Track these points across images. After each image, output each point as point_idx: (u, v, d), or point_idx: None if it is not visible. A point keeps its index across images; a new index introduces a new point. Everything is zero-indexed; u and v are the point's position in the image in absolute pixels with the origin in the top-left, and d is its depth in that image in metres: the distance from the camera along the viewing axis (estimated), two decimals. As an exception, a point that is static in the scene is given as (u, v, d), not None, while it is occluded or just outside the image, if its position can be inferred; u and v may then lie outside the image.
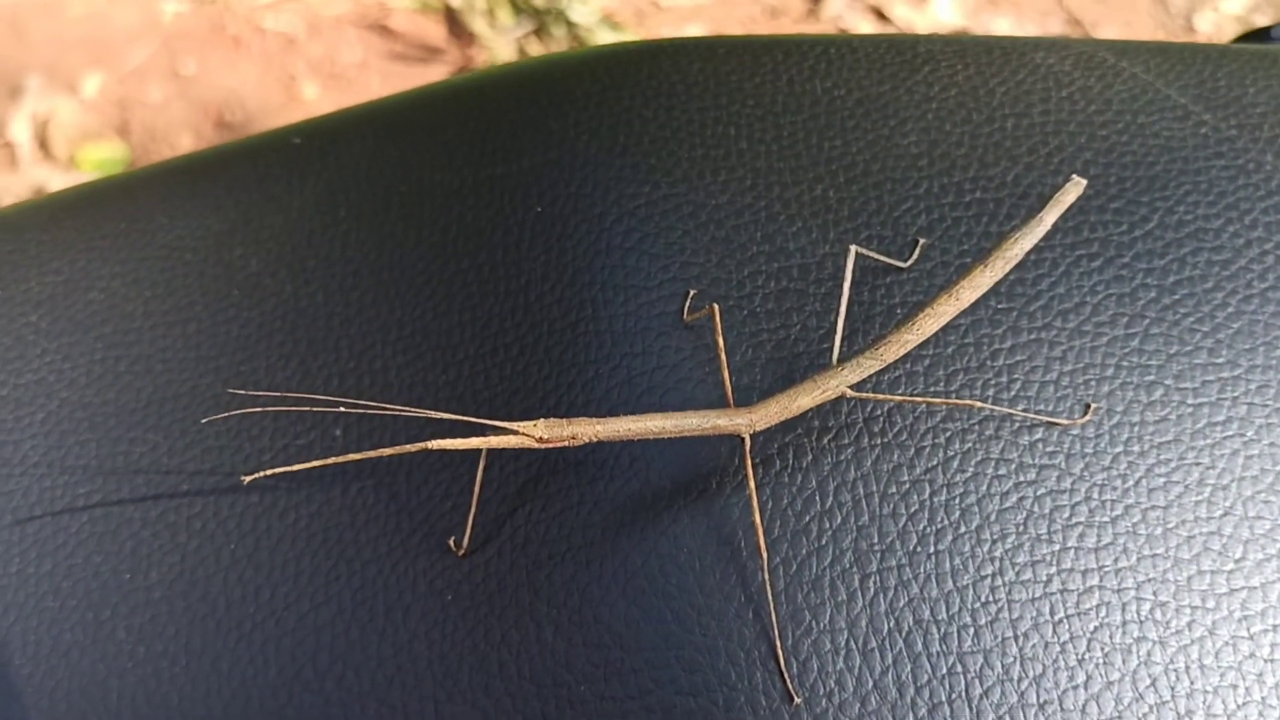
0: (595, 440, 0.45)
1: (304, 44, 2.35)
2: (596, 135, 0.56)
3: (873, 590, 0.45)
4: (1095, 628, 0.44)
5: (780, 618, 0.44)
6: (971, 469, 0.47)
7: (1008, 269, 0.48)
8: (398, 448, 0.44)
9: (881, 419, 0.49)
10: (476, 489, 0.48)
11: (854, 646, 0.44)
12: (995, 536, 0.46)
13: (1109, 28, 2.33)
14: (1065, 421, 0.48)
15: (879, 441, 0.48)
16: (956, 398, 0.49)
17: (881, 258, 0.52)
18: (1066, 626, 0.44)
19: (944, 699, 0.43)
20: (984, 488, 0.47)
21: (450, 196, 0.57)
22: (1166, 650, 0.44)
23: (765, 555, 0.45)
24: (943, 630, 0.44)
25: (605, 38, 2.26)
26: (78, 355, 0.56)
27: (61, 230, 0.61)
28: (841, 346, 0.49)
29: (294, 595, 0.49)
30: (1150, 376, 0.49)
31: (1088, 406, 0.49)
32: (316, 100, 2.28)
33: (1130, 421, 0.48)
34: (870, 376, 0.49)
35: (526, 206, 0.55)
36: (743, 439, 0.46)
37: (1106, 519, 0.46)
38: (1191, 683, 0.44)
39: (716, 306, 0.48)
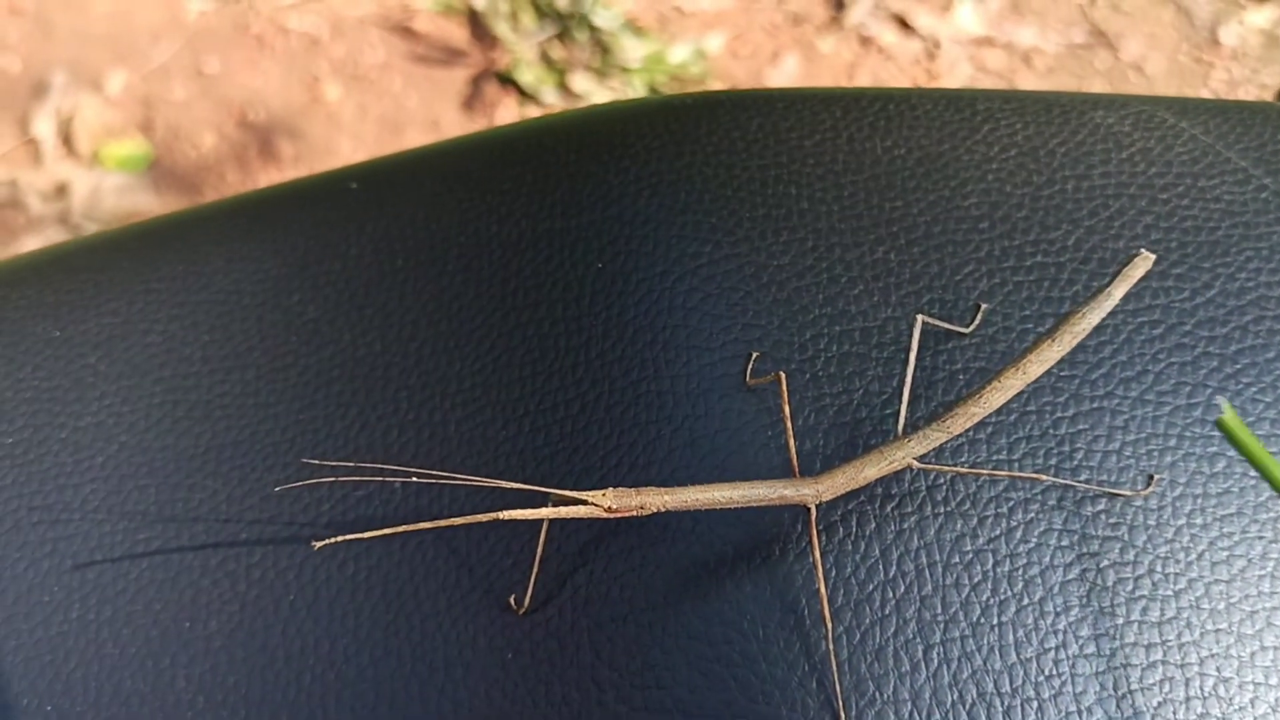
0: (663, 510, 0.45)
1: (327, 44, 2.36)
2: (657, 192, 0.57)
3: (936, 661, 0.45)
4: (1159, 703, 0.44)
5: (844, 688, 0.44)
6: (1035, 539, 0.47)
7: (1075, 343, 0.49)
8: (467, 518, 0.44)
9: (945, 488, 0.49)
10: (540, 549, 0.48)
11: (918, 718, 0.44)
12: (1059, 609, 0.46)
13: (1133, 39, 2.33)
14: (1128, 493, 0.48)
15: (942, 510, 0.48)
16: (1019, 467, 0.49)
17: (945, 325, 0.52)
18: (1130, 701, 0.45)
19: None
20: (1047, 559, 0.47)
21: (509, 249, 0.57)
22: None
23: (829, 624, 0.45)
24: (1006, 704, 0.44)
25: (627, 43, 2.26)
26: (136, 399, 0.57)
27: (119, 270, 0.61)
28: (906, 414, 0.49)
29: (353, 649, 0.49)
30: (1214, 447, 0.49)
31: (1150, 478, 0.49)
32: (339, 101, 2.28)
33: (1193, 493, 0.48)
34: (935, 447, 0.49)
35: (587, 262, 0.55)
36: (809, 509, 0.47)
37: (1170, 592, 0.46)
38: None
39: (784, 375, 0.48)
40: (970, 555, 0.47)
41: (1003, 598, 0.46)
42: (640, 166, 0.58)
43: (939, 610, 0.46)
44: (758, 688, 0.45)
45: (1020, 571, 0.47)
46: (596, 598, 0.48)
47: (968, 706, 0.44)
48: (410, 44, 2.34)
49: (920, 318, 0.50)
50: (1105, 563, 0.47)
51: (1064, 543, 0.47)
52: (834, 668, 0.45)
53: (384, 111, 2.30)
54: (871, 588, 0.46)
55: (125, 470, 0.55)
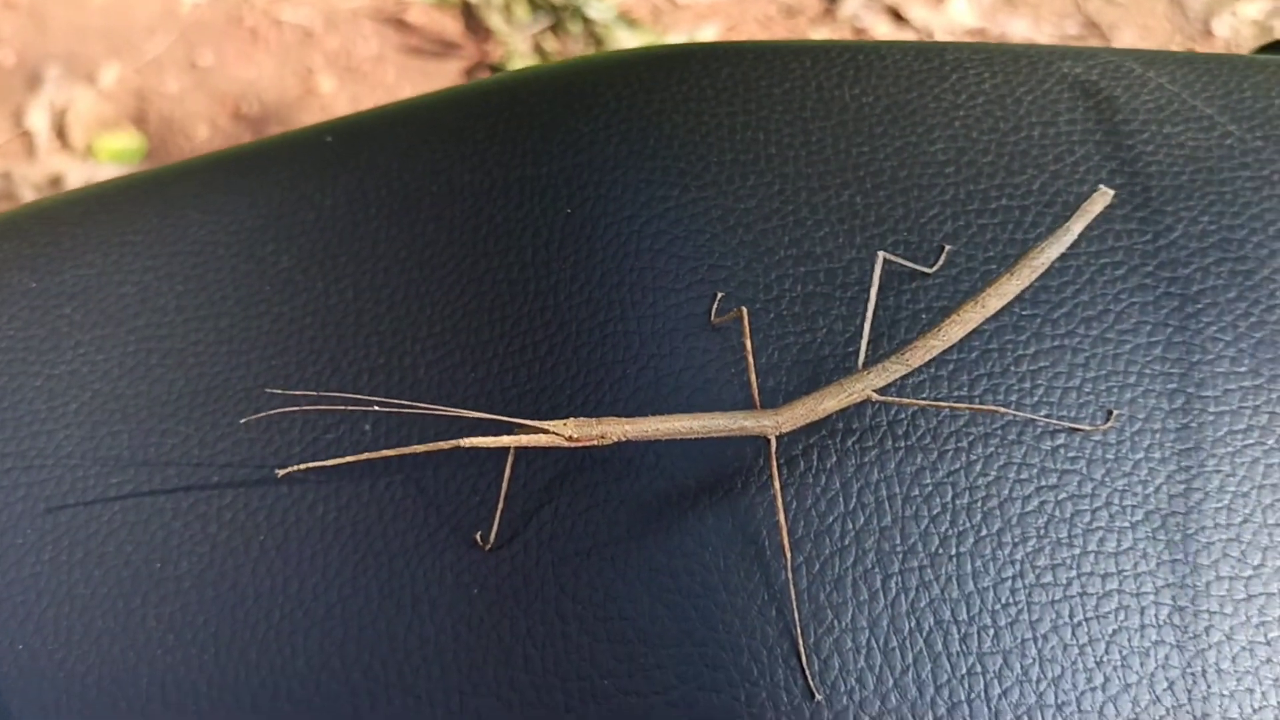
0: (624, 439, 0.46)
1: (321, 37, 2.36)
2: (626, 139, 0.57)
3: (894, 590, 0.46)
4: (1114, 631, 0.45)
5: (803, 616, 0.45)
6: (994, 473, 0.48)
7: (1034, 277, 0.49)
8: (429, 445, 0.45)
9: (905, 422, 0.49)
10: (504, 485, 0.49)
11: (875, 645, 0.45)
12: (1016, 540, 0.47)
13: (1126, 31, 2.33)
14: (1088, 427, 0.49)
15: (903, 444, 0.49)
16: (980, 403, 0.49)
17: (908, 264, 0.53)
18: (1085, 629, 0.45)
19: (963, 698, 0.44)
20: (1006, 491, 0.48)
21: (480, 197, 0.58)
22: (1184, 654, 0.45)
23: (789, 555, 0.45)
24: (963, 631, 0.45)
25: (621, 35, 2.27)
26: (111, 347, 0.57)
27: (95, 224, 0.62)
28: (867, 351, 0.50)
29: (322, 587, 0.50)
30: (1173, 384, 0.50)
31: (1110, 413, 0.49)
32: (333, 93, 2.29)
33: (1152, 428, 0.49)
34: (895, 381, 0.49)
35: (557, 208, 0.56)
36: (768, 440, 0.47)
37: (1127, 524, 0.47)
38: (1208, 686, 0.44)
39: (745, 310, 0.49)
40: (930, 488, 0.48)
41: (961, 529, 0.47)
42: (610, 115, 0.58)
43: (898, 541, 0.46)
44: (718, 617, 0.45)
45: (979, 504, 0.47)
46: (561, 533, 0.48)
47: (924, 634, 0.45)
48: (404, 36, 2.35)
49: (882, 254, 0.51)
50: (1063, 495, 0.48)
51: (1023, 476, 0.48)
52: (793, 597, 0.45)
53: (377, 103, 2.30)
54: (832, 519, 0.47)
55: (99, 416, 0.55)
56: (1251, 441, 0.49)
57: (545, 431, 0.45)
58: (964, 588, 0.46)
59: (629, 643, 0.45)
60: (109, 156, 2.21)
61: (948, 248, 0.54)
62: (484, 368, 0.53)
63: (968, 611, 0.45)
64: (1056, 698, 0.44)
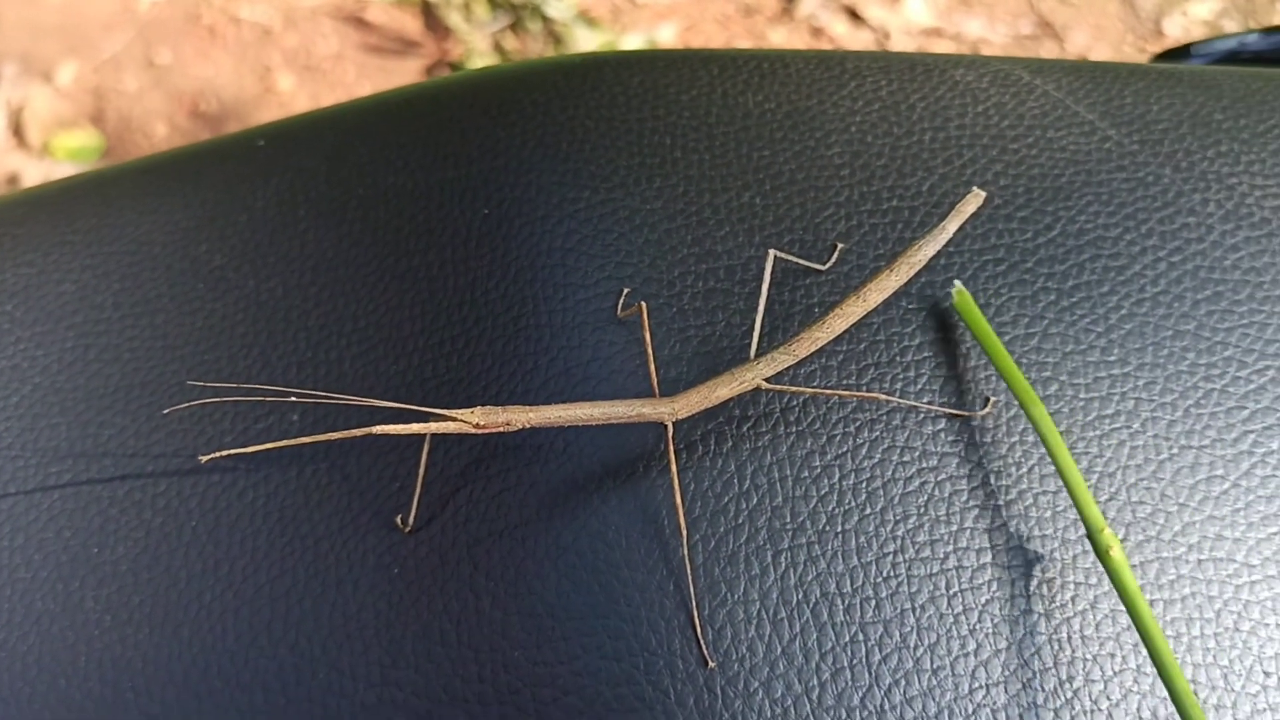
0: (528, 426, 0.49)
1: (280, 35, 2.37)
2: (541, 143, 0.60)
3: (784, 565, 0.49)
4: (986, 601, 0.49)
5: (698, 590, 0.48)
6: (878, 455, 0.51)
7: (912, 273, 0.53)
8: (345, 432, 0.48)
9: (797, 409, 0.53)
10: (421, 471, 0.52)
11: (765, 616, 0.48)
12: (898, 517, 0.50)
13: (1079, 30, 2.38)
14: (966, 413, 0.53)
15: (794, 430, 0.52)
16: (866, 390, 0.53)
17: (800, 261, 0.56)
18: (960, 600, 0.49)
19: (845, 664, 0.47)
20: (889, 473, 0.51)
21: (404, 198, 0.60)
22: (1051, 621, 0.48)
23: (685, 533, 0.49)
24: (847, 602, 0.48)
25: (581, 33, 2.29)
26: (50, 343, 0.60)
27: (35, 224, 0.64)
28: (760, 343, 0.53)
29: (251, 568, 0.52)
30: (1046, 373, 0.54)
31: (987, 400, 0.53)
32: (292, 91, 2.30)
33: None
34: (785, 370, 0.52)
35: (475, 209, 0.59)
36: (666, 426, 0.50)
37: (1000, 503, 0.51)
38: (1073, 651, 0.48)
39: (644, 304, 0.52)
40: (819, 470, 0.51)
41: (847, 508, 0.50)
42: (527, 121, 0.61)
43: (788, 519, 0.50)
44: (620, 591, 0.48)
45: (864, 484, 0.51)
46: (475, 515, 0.51)
47: (811, 604, 0.48)
48: (363, 34, 2.36)
49: (772, 252, 0.54)
50: (943, 476, 0.51)
51: (905, 458, 0.51)
52: (689, 572, 0.48)
53: (336, 101, 2.32)
54: (727, 499, 0.50)
55: (39, 409, 0.58)
56: (1119, 425, 0.53)
57: (454, 419, 0.48)
58: (848, 562, 0.49)
59: (537, 616, 0.49)
60: (66, 155, 2.21)
61: (840, 245, 0.57)
62: (405, 360, 0.56)
63: (851, 584, 0.49)
64: (932, 662, 0.47)
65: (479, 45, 2.33)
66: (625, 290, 0.56)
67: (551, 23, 2.33)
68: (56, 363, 0.59)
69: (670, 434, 0.50)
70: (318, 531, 0.53)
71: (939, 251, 0.54)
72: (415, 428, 0.48)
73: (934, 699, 0.47)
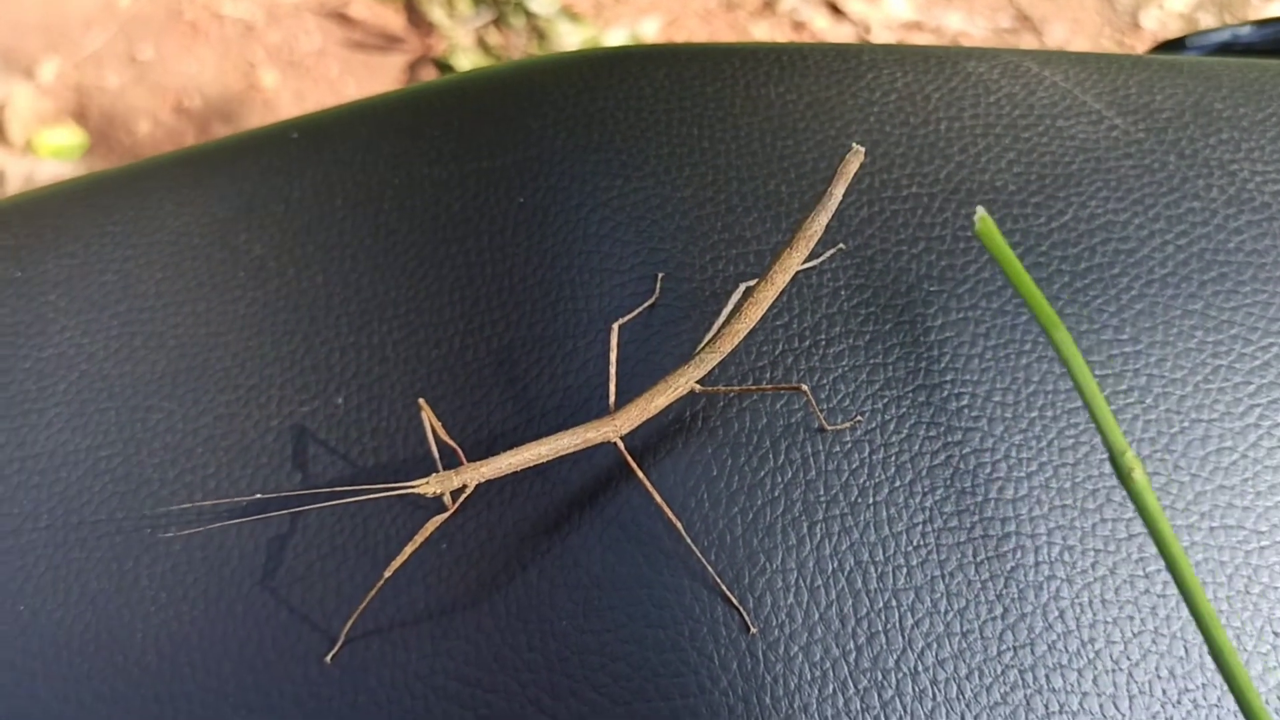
0: (483, 480, 0.52)
1: (262, 31, 2.37)
2: (573, 134, 0.62)
3: (819, 536, 0.51)
4: (1012, 568, 0.51)
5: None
6: (905, 431, 0.54)
7: (810, 246, 0.54)
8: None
9: (827, 388, 0.55)
10: (415, 541, 0.53)
11: (803, 584, 0.50)
12: (926, 489, 0.53)
13: (1057, 23, 2.41)
14: (841, 426, 0.55)
15: (825, 408, 0.54)
16: (787, 382, 0.55)
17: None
18: (987, 566, 0.51)
19: (880, 629, 0.50)
20: (916, 447, 0.54)
21: (439, 188, 0.62)
22: (1073, 587, 0.51)
23: (679, 525, 0.51)
24: (880, 570, 0.51)
25: (564, 28, 2.31)
26: (95, 331, 0.61)
27: (74, 217, 0.66)
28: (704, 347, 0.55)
29: (302, 546, 0.54)
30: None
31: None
32: (275, 88, 2.30)
33: (1045, 390, 0.55)
34: (714, 369, 0.55)
35: (510, 198, 0.61)
36: (616, 444, 0.53)
37: (1022, 474, 0.53)
38: (1094, 614, 0.50)
39: (615, 328, 0.55)
40: (849, 445, 0.53)
41: (877, 480, 0.53)
42: (558, 112, 0.64)
43: (821, 492, 0.52)
44: (663, 562, 0.51)
45: (893, 458, 0.53)
46: (521, 491, 0.54)
47: (846, 573, 0.50)
48: (346, 30, 2.37)
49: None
50: (967, 449, 0.54)
51: (931, 433, 0.54)
52: (699, 555, 0.51)
53: (321, 98, 2.32)
54: (763, 473, 0.53)
55: (86, 395, 0.60)
56: (1132, 400, 0.55)
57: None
58: (880, 532, 0.52)
59: (583, 588, 0.51)
60: (49, 152, 2.21)
61: (839, 246, 0.59)
62: (446, 344, 0.58)
63: (884, 553, 0.51)
64: (962, 626, 0.50)
65: (462, 41, 2.34)
66: (660, 275, 0.58)
67: (535, 18, 2.35)
68: (102, 350, 0.61)
69: (622, 448, 0.52)
70: (366, 509, 0.55)
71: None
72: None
73: (965, 660, 0.49)
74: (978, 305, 0.57)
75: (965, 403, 0.55)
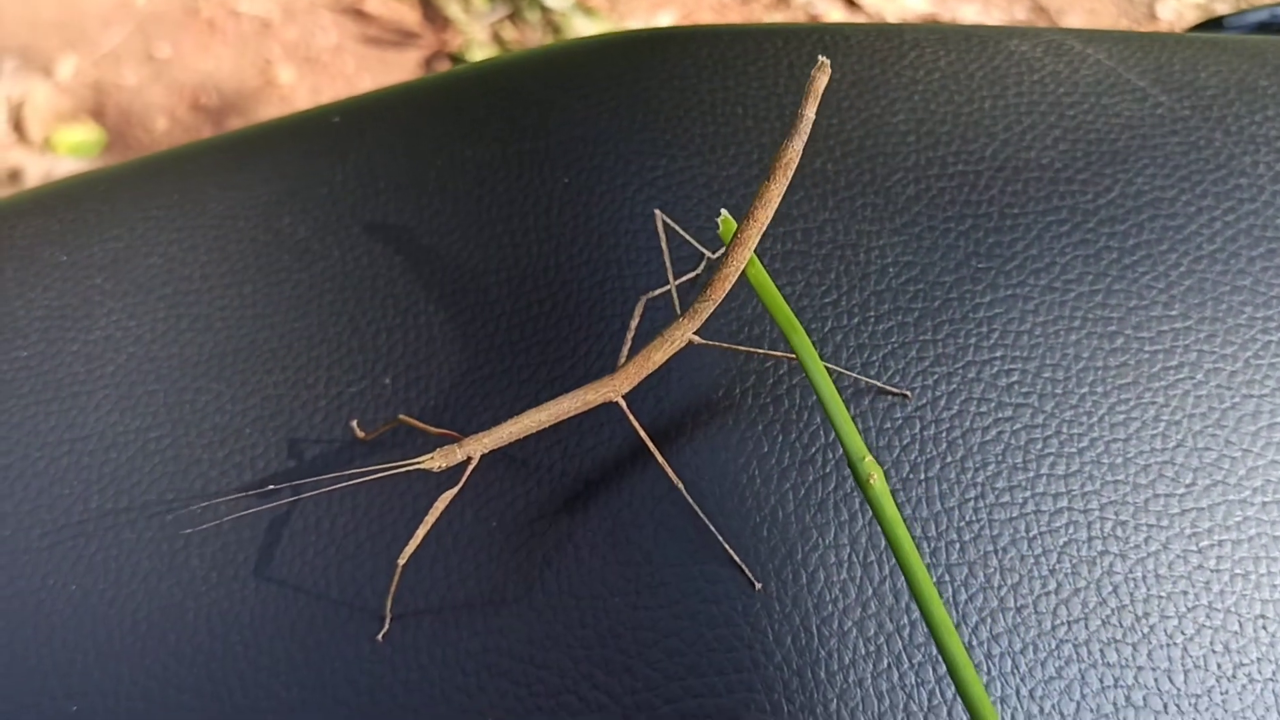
0: (486, 451, 0.52)
1: (279, 27, 2.38)
2: (617, 114, 0.62)
3: (870, 511, 0.51)
4: (1065, 543, 0.51)
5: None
6: (956, 407, 0.54)
7: (789, 175, 0.52)
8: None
9: (877, 365, 0.55)
10: (429, 521, 0.53)
11: (856, 560, 0.50)
12: (978, 465, 0.52)
13: (1073, 14, 2.41)
14: (905, 392, 0.55)
15: (873, 385, 0.54)
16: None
17: (690, 239, 0.59)
18: (1040, 542, 0.51)
19: None
20: (967, 423, 0.53)
21: (483, 169, 0.63)
22: (1126, 562, 0.51)
23: (682, 485, 0.51)
24: (932, 545, 0.51)
25: (578, 22, 2.31)
26: (141, 314, 0.62)
27: (118, 201, 0.66)
28: (680, 300, 0.55)
29: (352, 526, 0.54)
30: (1112, 327, 0.56)
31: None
32: (292, 84, 2.31)
33: (1095, 366, 0.55)
34: (708, 319, 0.55)
35: (555, 178, 0.61)
36: (619, 403, 0.53)
37: (1074, 450, 0.53)
38: (1148, 589, 0.50)
39: (643, 300, 0.55)
40: (900, 421, 0.53)
41: (929, 457, 0.53)
42: (601, 93, 0.64)
43: None
44: (714, 537, 0.51)
45: (944, 434, 0.53)
46: (570, 469, 0.54)
47: None
48: (362, 26, 2.37)
49: (657, 211, 0.56)
50: (1018, 425, 0.53)
51: (983, 409, 0.54)
52: (701, 515, 0.51)
53: (337, 94, 2.33)
54: (814, 450, 0.53)
55: (135, 377, 0.60)
56: (1183, 376, 0.55)
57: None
58: (932, 508, 0.51)
59: (635, 564, 0.51)
60: (68, 149, 2.21)
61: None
62: (494, 322, 0.58)
63: (936, 528, 0.51)
64: (1015, 601, 0.50)
65: (478, 36, 2.34)
66: (706, 256, 0.58)
67: (550, 12, 2.35)
68: (149, 333, 0.61)
69: (625, 408, 0.52)
70: (415, 489, 0.55)
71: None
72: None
73: (1018, 635, 0.49)
74: (1025, 282, 0.57)
75: (1015, 379, 0.55)
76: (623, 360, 0.54)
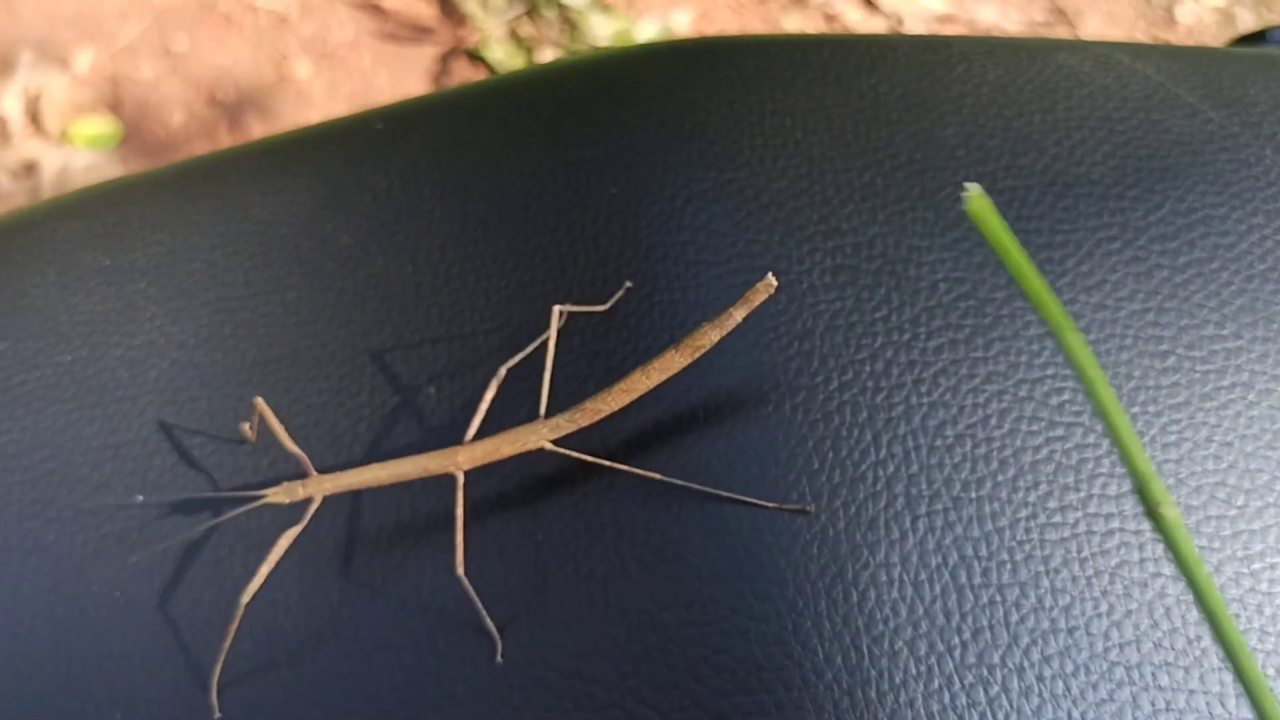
0: (328, 494, 0.53)
1: (296, 22, 2.38)
2: (664, 125, 0.62)
3: (922, 530, 0.51)
4: (1117, 564, 0.51)
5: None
6: (1007, 426, 0.53)
7: (696, 356, 0.53)
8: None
9: (928, 381, 0.55)
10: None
11: (906, 579, 0.50)
12: (1029, 485, 0.52)
13: (1092, 17, 2.40)
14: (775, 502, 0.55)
15: (926, 401, 0.54)
16: (648, 469, 0.54)
17: (581, 308, 0.58)
18: (1091, 564, 0.51)
19: (985, 624, 0.49)
20: (1019, 442, 0.53)
21: (529, 179, 0.62)
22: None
23: (462, 557, 0.51)
24: (983, 565, 0.50)
25: (595, 20, 2.30)
26: (185, 319, 0.62)
27: (160, 205, 0.66)
28: (548, 400, 0.55)
29: (398, 537, 0.54)
30: (1164, 346, 0.56)
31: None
32: (309, 79, 2.31)
33: (1146, 385, 0.55)
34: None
35: (602, 188, 0.61)
36: (456, 477, 0.53)
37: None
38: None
39: (557, 309, 0.56)
40: (951, 440, 0.53)
41: (979, 475, 0.52)
42: (648, 103, 0.63)
43: (924, 486, 0.52)
44: (765, 556, 0.50)
45: (995, 453, 0.53)
46: (618, 484, 0.53)
47: (950, 567, 0.50)
48: (379, 21, 2.37)
49: (556, 308, 0.56)
50: (1070, 445, 0.53)
51: (1033, 428, 0.53)
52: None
53: (354, 89, 2.33)
54: (864, 467, 0.52)
55: (179, 383, 0.60)
56: (1235, 397, 0.55)
57: (262, 499, 0.53)
58: (984, 527, 0.51)
59: (684, 580, 0.51)
60: (84, 142, 2.21)
61: (627, 284, 0.59)
62: (540, 334, 0.58)
63: (987, 548, 0.51)
64: (1068, 623, 0.49)
65: (494, 32, 2.34)
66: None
67: (567, 9, 2.34)
68: (192, 339, 0.61)
69: (461, 482, 0.53)
70: (464, 502, 0.54)
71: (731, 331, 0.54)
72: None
73: (1070, 657, 0.49)
74: (1077, 299, 0.57)
75: (1067, 397, 0.54)
76: (472, 433, 0.55)
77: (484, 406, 0.55)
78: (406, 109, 0.68)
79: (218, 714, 0.51)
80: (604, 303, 0.58)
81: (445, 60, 2.33)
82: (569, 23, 2.35)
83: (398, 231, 0.62)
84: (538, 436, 0.54)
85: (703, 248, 0.58)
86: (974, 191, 0.40)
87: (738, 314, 0.53)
